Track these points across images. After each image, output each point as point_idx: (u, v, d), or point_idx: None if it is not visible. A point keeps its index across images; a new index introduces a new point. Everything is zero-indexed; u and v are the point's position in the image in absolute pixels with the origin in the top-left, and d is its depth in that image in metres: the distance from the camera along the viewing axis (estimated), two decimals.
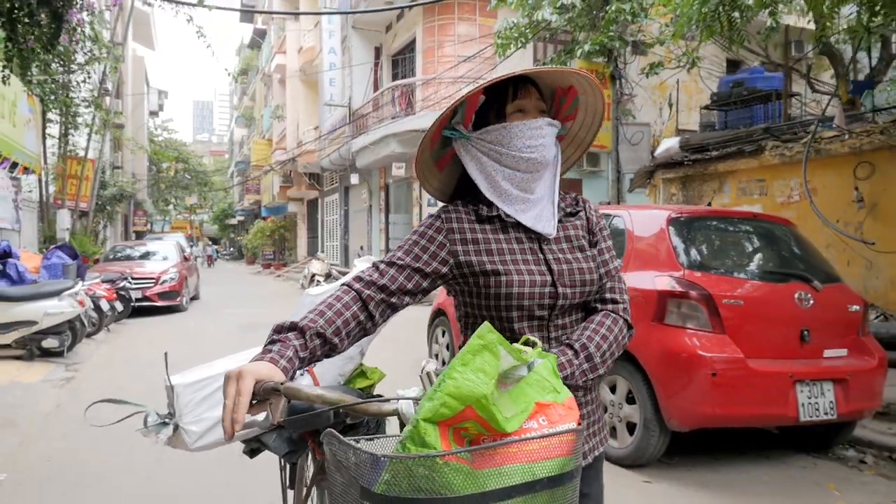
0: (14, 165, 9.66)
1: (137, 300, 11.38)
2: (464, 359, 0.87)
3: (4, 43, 5.27)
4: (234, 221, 51.41)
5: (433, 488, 0.79)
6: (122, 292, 10.21)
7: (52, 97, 12.68)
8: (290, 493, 1.84)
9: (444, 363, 6.15)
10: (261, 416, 1.07)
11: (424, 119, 14.80)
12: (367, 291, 1.24)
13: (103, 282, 9.41)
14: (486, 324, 0.92)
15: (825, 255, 5.90)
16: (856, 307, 3.86)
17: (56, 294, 7.14)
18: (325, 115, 21.80)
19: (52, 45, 5.76)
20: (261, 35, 38.59)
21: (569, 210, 1.37)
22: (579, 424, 0.91)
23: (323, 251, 23.81)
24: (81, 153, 16.23)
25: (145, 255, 13.65)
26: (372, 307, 1.24)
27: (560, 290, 1.27)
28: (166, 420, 1.70)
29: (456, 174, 1.40)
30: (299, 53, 25.62)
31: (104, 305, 8.74)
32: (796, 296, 3.62)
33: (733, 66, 13.82)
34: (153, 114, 40.89)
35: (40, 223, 14.13)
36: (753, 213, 4.75)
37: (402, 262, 1.28)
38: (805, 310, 3.61)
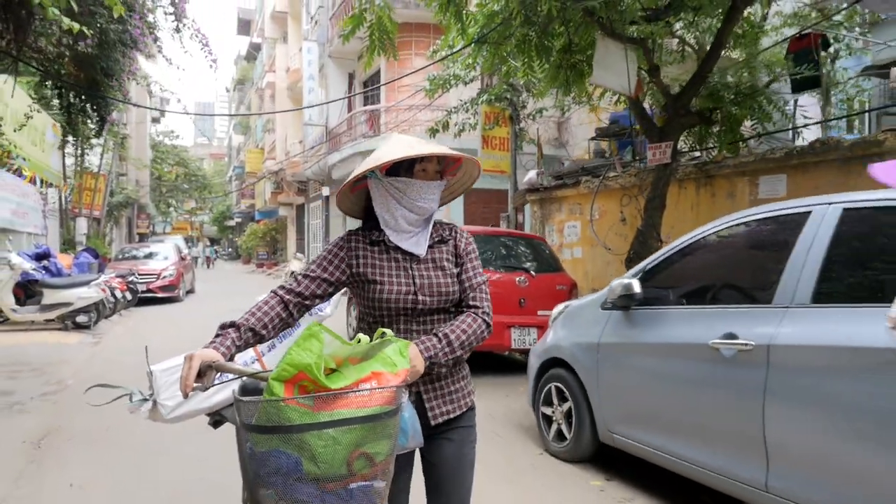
0: (45, 183, 12.28)
1: (143, 292, 13.79)
2: (298, 342, 1.32)
3: (63, 129, 7.85)
4: (232, 223, 53.36)
5: (278, 420, 1.26)
6: (131, 285, 12.65)
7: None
8: None
9: (355, 331, 8.89)
10: (201, 385, 1.44)
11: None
12: (287, 297, 1.70)
13: (116, 276, 11.86)
14: (313, 322, 1.36)
15: (610, 256, 8.61)
16: (563, 286, 6.60)
17: (85, 283, 9.75)
18: (308, 130, 24.40)
19: (98, 135, 8.42)
20: (256, 48, 40.64)
21: (437, 239, 1.81)
22: (400, 386, 1.36)
23: (308, 252, 26.39)
24: (95, 169, 18.83)
25: (149, 256, 15.88)
26: (291, 307, 1.70)
27: (420, 297, 1.70)
28: (147, 397, 2.07)
29: (362, 201, 1.86)
30: (287, 73, 28.11)
31: (118, 294, 11.27)
32: (517, 279, 6.36)
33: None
34: (155, 120, 43.41)
35: (60, 229, 16.55)
36: (506, 231, 7.41)
37: (314, 275, 1.73)
38: (522, 287, 6.34)
